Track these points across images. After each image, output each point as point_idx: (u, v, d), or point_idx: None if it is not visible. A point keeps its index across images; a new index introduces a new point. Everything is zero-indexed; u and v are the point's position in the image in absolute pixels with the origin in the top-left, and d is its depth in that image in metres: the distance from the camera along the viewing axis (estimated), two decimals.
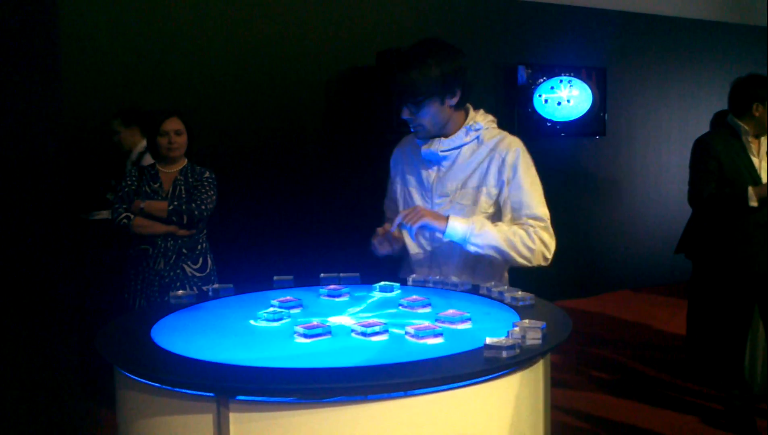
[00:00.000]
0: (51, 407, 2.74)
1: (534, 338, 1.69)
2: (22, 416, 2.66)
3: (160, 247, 3.74)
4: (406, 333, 1.79)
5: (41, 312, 2.67)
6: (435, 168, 2.53)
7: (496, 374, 1.59)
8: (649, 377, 4.83)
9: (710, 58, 7.98)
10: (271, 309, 2.02)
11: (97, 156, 4.94)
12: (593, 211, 7.48)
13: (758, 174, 3.87)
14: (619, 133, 7.49)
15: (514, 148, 2.45)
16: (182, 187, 3.82)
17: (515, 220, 2.45)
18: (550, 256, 2.46)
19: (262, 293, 2.33)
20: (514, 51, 6.86)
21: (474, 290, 2.29)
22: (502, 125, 2.62)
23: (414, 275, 2.44)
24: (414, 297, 2.13)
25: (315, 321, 1.87)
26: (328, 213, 5.78)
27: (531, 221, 2.43)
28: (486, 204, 2.46)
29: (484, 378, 1.57)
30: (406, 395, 1.50)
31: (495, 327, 1.86)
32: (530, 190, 2.45)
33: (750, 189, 3.75)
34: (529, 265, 2.44)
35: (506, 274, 2.61)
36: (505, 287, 2.20)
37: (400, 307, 2.10)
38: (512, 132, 2.58)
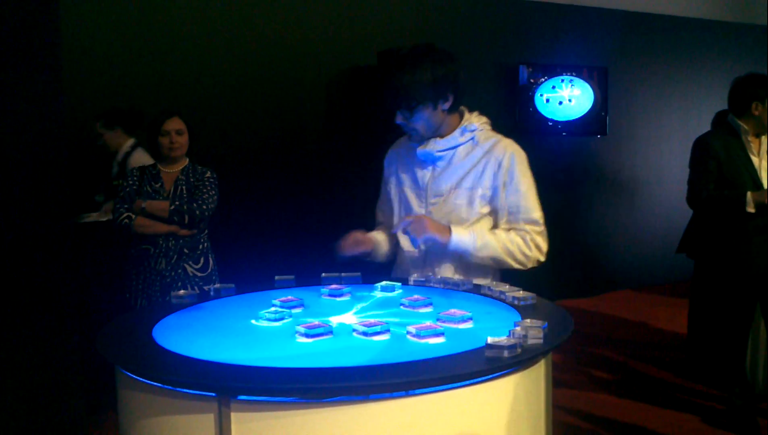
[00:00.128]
0: (52, 407, 2.74)
1: (535, 338, 1.69)
2: (23, 416, 2.66)
3: (162, 247, 3.74)
4: (408, 333, 1.79)
5: (42, 312, 2.67)
6: (430, 168, 2.56)
7: (498, 374, 1.59)
8: (650, 377, 4.83)
9: (712, 58, 7.97)
10: (273, 309, 2.02)
11: (87, 158, 4.93)
12: (594, 210, 7.48)
13: (758, 174, 3.86)
14: (620, 132, 7.49)
15: (510, 152, 2.48)
16: (183, 187, 3.82)
17: (511, 223, 2.49)
18: (543, 259, 2.53)
19: (263, 293, 2.33)
20: (516, 50, 6.86)
21: (475, 290, 2.29)
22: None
23: (415, 275, 2.44)
24: (415, 296, 2.13)
25: (316, 321, 1.87)
26: (330, 212, 5.78)
27: (527, 226, 2.49)
28: (480, 205, 2.49)
29: (485, 378, 1.57)
30: (407, 395, 1.50)
31: (496, 326, 1.86)
32: (527, 194, 2.49)
33: (748, 194, 3.75)
34: (523, 268, 2.51)
35: (498, 273, 2.65)
36: (507, 287, 2.20)
37: (402, 307, 2.10)
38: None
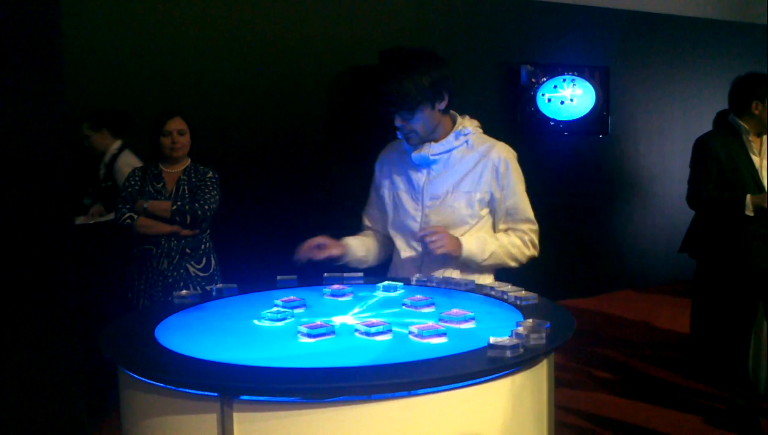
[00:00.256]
0: (54, 408, 2.74)
1: (538, 338, 1.69)
2: (25, 416, 2.66)
3: (164, 247, 3.74)
4: (410, 332, 1.79)
5: (44, 312, 2.68)
6: (425, 171, 2.59)
7: (500, 374, 1.59)
8: (651, 376, 4.82)
9: (714, 57, 7.96)
10: (275, 309, 2.02)
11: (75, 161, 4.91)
12: (596, 210, 7.47)
13: (759, 173, 3.86)
14: (622, 132, 7.48)
15: (506, 156, 2.56)
16: (185, 187, 3.82)
17: (509, 223, 2.60)
18: (537, 254, 2.65)
19: (265, 293, 2.33)
20: (517, 50, 6.85)
21: (477, 290, 2.29)
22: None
23: (418, 275, 2.46)
24: (417, 296, 2.13)
25: (318, 321, 1.87)
26: (332, 212, 5.77)
27: (524, 226, 2.60)
28: (478, 207, 2.55)
29: (487, 377, 1.57)
30: (409, 395, 1.50)
31: (498, 326, 1.86)
32: (523, 196, 2.59)
33: (748, 197, 3.74)
34: (519, 266, 2.63)
35: (494, 273, 2.70)
36: (509, 287, 2.20)
37: (404, 307, 2.10)
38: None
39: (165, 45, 5.31)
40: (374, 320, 1.86)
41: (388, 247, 2.75)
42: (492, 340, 1.61)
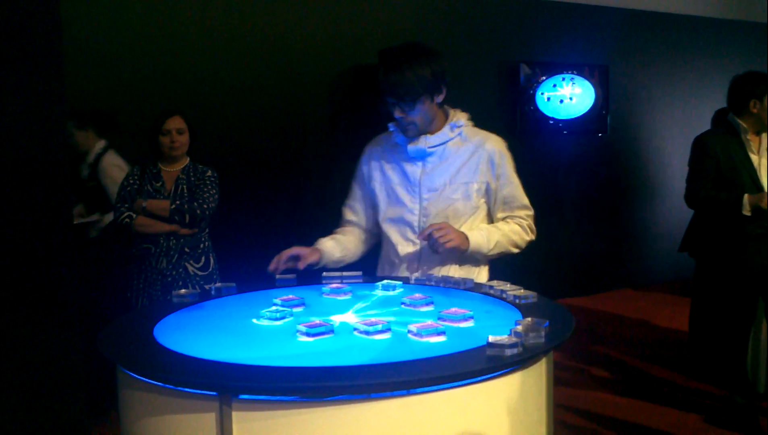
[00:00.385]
0: (53, 406, 2.74)
1: (536, 336, 1.69)
2: (23, 416, 2.66)
3: (163, 246, 3.74)
4: (409, 331, 1.79)
5: (43, 311, 2.68)
6: (420, 164, 2.62)
7: (499, 372, 1.59)
8: (651, 375, 4.82)
9: (713, 56, 7.96)
10: (274, 308, 2.02)
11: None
12: (595, 209, 7.47)
13: (757, 172, 3.86)
14: (621, 130, 7.48)
15: (499, 147, 2.63)
16: (184, 186, 3.82)
17: (506, 211, 2.66)
18: (535, 238, 2.72)
19: (264, 292, 2.34)
20: (517, 49, 6.85)
21: (476, 288, 2.29)
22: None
23: (417, 274, 2.46)
24: (416, 295, 2.13)
25: (317, 320, 1.88)
26: (331, 211, 5.76)
27: (522, 213, 2.67)
28: (476, 198, 2.60)
29: (486, 376, 1.57)
30: (408, 394, 1.50)
31: (497, 325, 1.86)
32: (517, 184, 2.66)
33: (745, 197, 3.75)
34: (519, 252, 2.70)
35: (488, 267, 2.75)
36: (508, 286, 2.21)
37: (403, 306, 2.10)
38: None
39: (164, 44, 5.31)
40: (373, 319, 1.86)
41: (368, 242, 2.78)
42: (491, 338, 1.62)
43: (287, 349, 1.73)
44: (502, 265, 2.78)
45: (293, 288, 2.38)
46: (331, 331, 1.82)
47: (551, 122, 6.91)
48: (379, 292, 2.28)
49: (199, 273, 3.81)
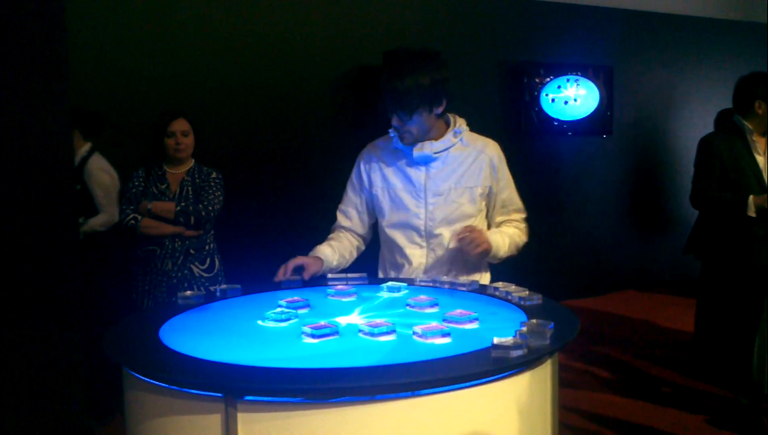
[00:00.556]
0: (58, 408, 2.75)
1: (541, 338, 1.69)
2: (29, 417, 2.67)
3: (168, 248, 3.75)
4: (414, 333, 1.80)
5: (48, 312, 2.68)
6: (423, 169, 2.63)
7: (504, 374, 1.60)
8: (655, 376, 4.81)
9: (717, 56, 7.95)
10: (279, 309, 2.03)
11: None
12: (600, 210, 7.46)
13: (762, 173, 3.86)
14: (626, 131, 7.47)
15: (498, 152, 2.70)
16: (189, 188, 3.83)
17: (504, 214, 2.73)
18: (528, 241, 2.79)
19: (269, 293, 2.34)
20: (521, 50, 6.85)
21: (481, 290, 2.29)
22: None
23: (422, 276, 2.47)
24: (421, 297, 2.14)
25: (323, 321, 1.88)
26: (336, 213, 5.77)
27: (518, 216, 2.75)
28: (480, 200, 2.65)
29: (491, 378, 1.58)
30: (413, 395, 1.50)
31: (502, 327, 1.86)
32: (513, 187, 2.74)
33: (750, 198, 3.74)
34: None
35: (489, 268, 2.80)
36: (513, 287, 2.21)
37: (408, 307, 2.10)
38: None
39: (168, 45, 5.32)
40: (378, 321, 1.86)
41: (360, 248, 2.81)
42: (496, 340, 1.62)
43: (292, 350, 1.74)
44: (507, 266, 2.78)
45: (298, 289, 2.38)
46: (336, 332, 1.82)
47: (555, 123, 6.90)
48: (384, 294, 2.28)
49: (205, 274, 3.81)
